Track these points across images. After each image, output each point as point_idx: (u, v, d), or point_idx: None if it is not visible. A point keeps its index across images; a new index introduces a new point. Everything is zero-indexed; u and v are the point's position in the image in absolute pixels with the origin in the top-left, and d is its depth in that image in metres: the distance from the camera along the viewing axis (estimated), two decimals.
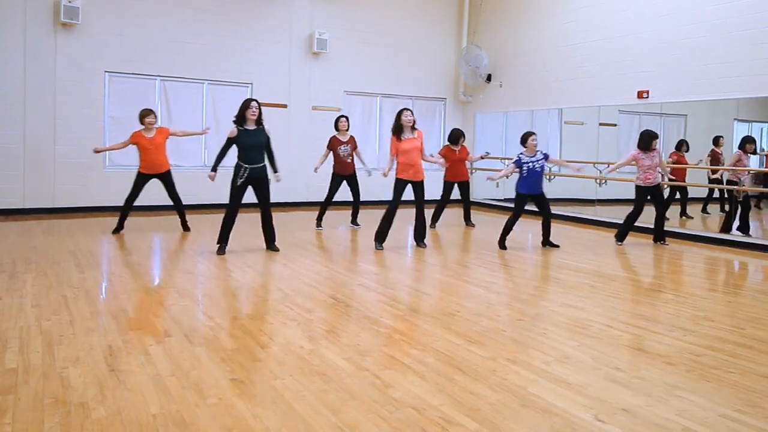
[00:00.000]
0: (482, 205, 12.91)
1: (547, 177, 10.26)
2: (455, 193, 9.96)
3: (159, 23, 10.73)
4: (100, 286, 5.57)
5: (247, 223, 8.46)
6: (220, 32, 11.26)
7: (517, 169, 7.85)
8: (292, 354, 3.81)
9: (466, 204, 10.21)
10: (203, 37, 11.12)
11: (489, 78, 12.96)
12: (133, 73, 10.68)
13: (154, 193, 10.57)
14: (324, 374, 3.48)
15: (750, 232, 8.80)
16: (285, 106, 11.85)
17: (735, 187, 8.86)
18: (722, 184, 9.40)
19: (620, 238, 8.57)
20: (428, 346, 4.04)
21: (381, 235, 7.66)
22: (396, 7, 12.92)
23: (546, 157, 7.88)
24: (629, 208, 8.56)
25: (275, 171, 7.18)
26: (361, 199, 9.64)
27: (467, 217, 10.23)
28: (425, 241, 7.91)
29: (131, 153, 10.71)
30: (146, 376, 3.39)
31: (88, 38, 10.21)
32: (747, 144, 8.96)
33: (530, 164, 7.76)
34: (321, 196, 12.13)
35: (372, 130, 12.87)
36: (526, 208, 8.11)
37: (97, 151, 8.71)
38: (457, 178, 9.88)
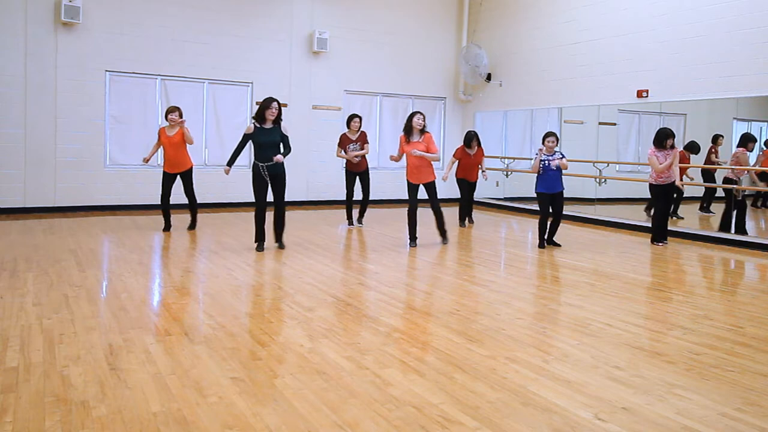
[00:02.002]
0: (482, 204, 12.91)
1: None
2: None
3: (159, 22, 10.74)
4: (100, 284, 5.57)
5: (249, 222, 8.47)
6: (220, 31, 11.27)
7: (540, 161, 7.96)
8: (293, 352, 3.83)
9: (470, 204, 10.18)
10: (204, 36, 11.13)
11: (489, 77, 12.96)
12: (133, 72, 10.68)
13: (153, 191, 10.64)
14: (324, 373, 3.49)
15: (747, 232, 8.80)
16: (285, 105, 11.83)
17: (734, 186, 8.87)
18: (721, 182, 9.39)
19: (657, 238, 8.54)
20: (428, 345, 4.05)
21: (411, 235, 7.99)
22: (396, 7, 12.91)
23: (562, 156, 8.00)
24: (629, 208, 8.57)
25: (282, 154, 7.16)
26: (372, 197, 9.65)
27: (468, 215, 10.19)
28: (447, 236, 8.11)
29: (131, 152, 10.79)
30: (147, 374, 3.40)
31: (89, 37, 10.21)
32: (749, 142, 8.94)
33: (546, 162, 7.89)
34: (321, 196, 12.24)
35: (372, 129, 12.87)
36: (530, 207, 8.13)
37: (146, 161, 8.50)
38: (467, 177, 9.92)
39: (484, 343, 4.09)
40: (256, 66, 11.64)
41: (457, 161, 9.87)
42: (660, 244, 8.44)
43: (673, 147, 8.10)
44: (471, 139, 9.81)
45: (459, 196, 10.16)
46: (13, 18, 9.70)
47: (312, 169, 12.13)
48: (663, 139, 8.02)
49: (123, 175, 10.68)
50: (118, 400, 3.05)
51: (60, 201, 10.20)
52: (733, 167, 8.95)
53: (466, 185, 10.00)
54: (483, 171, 10.09)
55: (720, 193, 9.80)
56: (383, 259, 7.08)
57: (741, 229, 8.79)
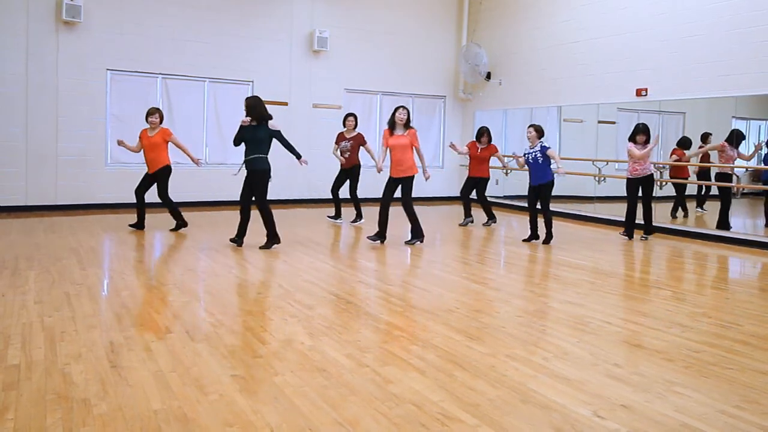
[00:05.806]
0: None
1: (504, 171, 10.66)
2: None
3: (160, 21, 10.75)
4: (102, 282, 5.59)
5: (250, 221, 8.46)
6: (221, 30, 11.28)
7: (522, 158, 8.29)
8: (293, 350, 3.84)
9: (482, 202, 10.00)
10: (204, 36, 11.14)
11: (488, 76, 12.96)
12: (134, 71, 10.69)
13: (154, 190, 10.63)
14: (324, 370, 3.50)
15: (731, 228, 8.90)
16: (285, 104, 11.87)
17: (729, 184, 8.90)
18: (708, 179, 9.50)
19: (628, 233, 8.72)
20: (428, 343, 4.06)
21: (377, 232, 7.86)
22: (396, 5, 12.92)
23: (543, 149, 8.08)
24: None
25: (298, 157, 7.48)
26: (370, 196, 9.68)
27: (489, 215, 10.02)
28: (420, 238, 7.88)
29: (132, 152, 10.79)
30: (148, 372, 3.41)
31: (90, 36, 10.22)
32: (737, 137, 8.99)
33: (528, 155, 8.18)
34: (321, 194, 12.24)
35: (372, 127, 12.88)
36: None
37: (120, 143, 8.43)
38: (475, 174, 9.80)
39: (483, 341, 4.10)
40: (257, 65, 11.65)
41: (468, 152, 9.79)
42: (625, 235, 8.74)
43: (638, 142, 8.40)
44: (481, 134, 9.79)
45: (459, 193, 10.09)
46: (15, 17, 9.71)
47: (312, 167, 12.10)
48: (634, 134, 8.54)
49: (124, 173, 10.67)
50: (119, 397, 3.07)
51: (61, 199, 10.22)
52: (682, 165, 9.12)
53: (473, 182, 9.86)
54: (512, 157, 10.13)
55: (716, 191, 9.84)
56: (383, 257, 7.10)
57: (724, 225, 8.94)
